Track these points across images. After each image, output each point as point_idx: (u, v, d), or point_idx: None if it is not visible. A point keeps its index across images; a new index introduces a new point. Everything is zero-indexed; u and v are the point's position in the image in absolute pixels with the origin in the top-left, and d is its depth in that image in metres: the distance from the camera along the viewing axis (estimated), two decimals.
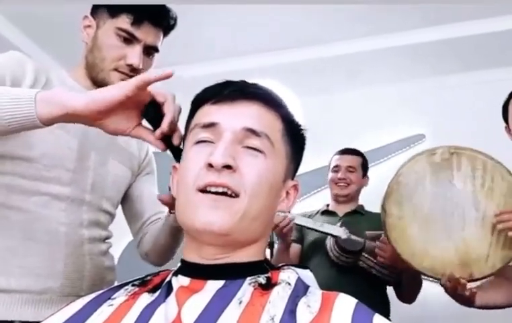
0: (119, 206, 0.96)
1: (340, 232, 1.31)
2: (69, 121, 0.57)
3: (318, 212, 1.59)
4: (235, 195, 0.49)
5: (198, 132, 0.52)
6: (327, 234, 1.34)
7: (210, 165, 0.48)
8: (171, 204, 0.76)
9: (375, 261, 1.30)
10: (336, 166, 1.58)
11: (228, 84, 0.55)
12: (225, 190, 0.48)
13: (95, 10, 0.85)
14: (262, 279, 0.50)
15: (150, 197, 0.95)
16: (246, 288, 0.48)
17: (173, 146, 0.60)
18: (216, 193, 0.48)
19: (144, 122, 0.61)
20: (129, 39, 0.81)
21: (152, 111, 0.59)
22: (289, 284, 0.49)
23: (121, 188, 0.91)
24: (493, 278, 1.13)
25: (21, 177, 0.75)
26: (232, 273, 0.50)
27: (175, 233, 0.85)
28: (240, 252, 0.51)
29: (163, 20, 0.85)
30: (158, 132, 0.58)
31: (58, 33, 1.90)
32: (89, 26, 0.85)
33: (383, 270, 1.31)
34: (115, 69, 0.81)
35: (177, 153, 0.59)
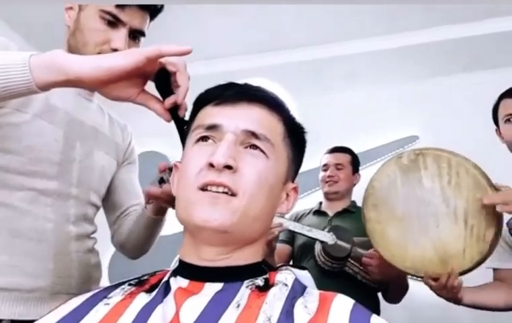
0: None
1: (328, 237, 1.33)
2: (69, 86, 0.53)
3: (310, 211, 1.63)
4: (234, 195, 0.49)
5: (200, 132, 0.53)
6: (315, 239, 1.37)
7: (211, 165, 0.49)
8: (157, 197, 0.76)
9: (361, 267, 1.33)
10: (325, 165, 1.63)
11: (230, 86, 0.56)
12: (225, 190, 0.49)
13: None
14: (260, 281, 0.50)
15: (130, 188, 0.94)
16: (244, 291, 0.49)
17: (178, 117, 0.58)
18: (216, 192, 0.49)
19: (148, 88, 0.58)
20: (113, 22, 0.77)
21: (162, 79, 0.57)
22: (286, 285, 0.50)
23: (107, 178, 0.90)
24: (492, 281, 1.15)
25: (4, 172, 0.73)
26: (231, 276, 0.50)
27: (151, 225, 0.85)
28: (238, 253, 0.51)
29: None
30: (170, 101, 0.56)
31: (51, 32, 1.83)
32: (70, 8, 0.81)
33: (368, 277, 1.34)
34: (99, 54, 0.77)
35: (182, 125, 0.58)
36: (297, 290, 0.50)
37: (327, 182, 1.60)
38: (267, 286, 0.50)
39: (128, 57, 0.52)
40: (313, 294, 0.49)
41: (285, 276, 0.52)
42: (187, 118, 0.60)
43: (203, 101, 0.56)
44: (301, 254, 1.50)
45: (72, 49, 0.80)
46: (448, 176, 1.01)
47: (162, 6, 0.84)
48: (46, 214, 0.77)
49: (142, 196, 0.96)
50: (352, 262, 1.36)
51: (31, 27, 1.98)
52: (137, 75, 0.55)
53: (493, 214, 0.97)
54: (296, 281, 0.52)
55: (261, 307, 0.46)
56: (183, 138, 0.58)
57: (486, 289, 1.15)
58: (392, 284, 1.36)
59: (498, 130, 1.26)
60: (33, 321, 0.52)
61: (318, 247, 1.40)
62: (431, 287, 1.05)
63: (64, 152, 0.79)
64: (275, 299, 0.47)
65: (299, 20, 2.02)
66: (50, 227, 0.78)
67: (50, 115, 0.77)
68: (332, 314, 0.45)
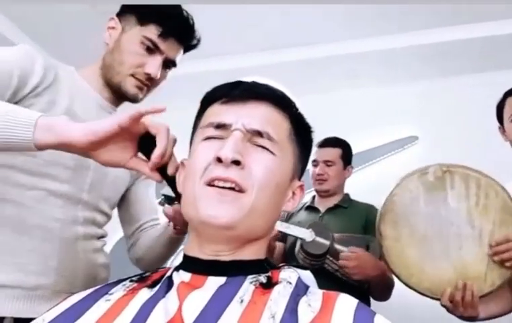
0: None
1: (306, 235, 1.27)
2: (62, 149, 0.58)
3: (303, 206, 1.56)
4: (242, 191, 0.49)
5: (207, 130, 0.53)
6: (293, 236, 1.31)
7: (219, 160, 0.49)
8: (173, 218, 0.80)
9: (340, 265, 1.27)
10: (314, 161, 1.53)
11: (238, 84, 0.56)
12: (232, 185, 0.49)
13: (123, 13, 0.86)
14: (263, 278, 0.50)
15: (147, 202, 0.96)
16: (248, 286, 0.48)
17: (168, 176, 0.60)
18: (223, 188, 0.49)
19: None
20: (152, 49, 0.82)
21: (146, 143, 0.59)
22: (290, 283, 0.49)
23: (120, 189, 0.91)
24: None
25: (18, 171, 0.75)
26: (234, 270, 0.50)
27: (173, 243, 0.87)
28: (242, 249, 0.51)
29: (188, 38, 0.87)
30: (149, 164, 0.59)
31: (58, 32, 1.91)
32: (113, 28, 0.85)
33: (346, 274, 1.27)
34: (132, 75, 0.83)
35: (173, 183, 0.60)
36: (301, 289, 0.49)
37: (317, 180, 1.51)
38: (270, 283, 0.49)
39: (112, 119, 0.56)
40: (316, 293, 0.49)
41: (289, 275, 0.51)
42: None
43: (210, 99, 0.56)
44: (291, 252, 1.42)
45: (106, 66, 0.84)
46: (476, 197, 0.97)
47: (197, 44, 0.89)
48: (54, 214, 0.78)
49: (159, 210, 0.95)
50: (331, 259, 1.29)
51: (39, 27, 1.98)
52: (125, 138, 0.58)
53: None
54: (299, 280, 0.51)
55: (265, 303, 0.46)
56: (177, 194, 0.59)
57: (493, 297, 1.06)
58: (373, 283, 1.30)
59: (501, 128, 1.21)
60: (36, 319, 0.50)
61: (297, 244, 1.33)
62: (448, 309, 1.01)
63: (79, 158, 0.77)
64: (280, 296, 0.47)
65: (300, 19, 1.97)
66: (57, 226, 0.78)
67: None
68: (336, 313, 0.45)
